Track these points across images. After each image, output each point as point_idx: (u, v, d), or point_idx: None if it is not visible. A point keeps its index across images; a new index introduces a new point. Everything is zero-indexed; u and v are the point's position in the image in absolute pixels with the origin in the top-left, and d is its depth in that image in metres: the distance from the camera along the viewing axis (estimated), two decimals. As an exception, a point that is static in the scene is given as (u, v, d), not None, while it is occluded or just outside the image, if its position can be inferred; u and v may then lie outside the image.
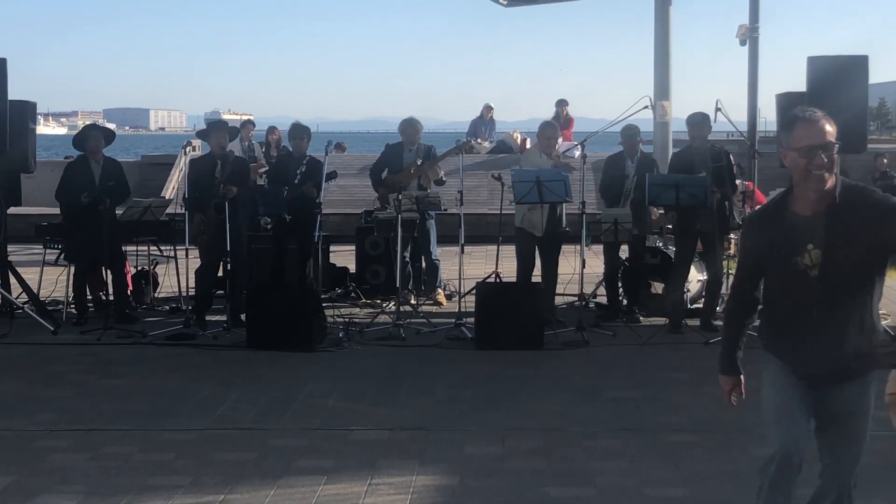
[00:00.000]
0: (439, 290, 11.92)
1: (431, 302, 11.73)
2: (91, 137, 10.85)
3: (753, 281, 4.40)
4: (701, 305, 10.83)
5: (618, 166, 11.14)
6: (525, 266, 10.81)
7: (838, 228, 4.01)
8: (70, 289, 11.02)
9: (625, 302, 11.25)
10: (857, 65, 9.96)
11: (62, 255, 11.16)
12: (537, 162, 10.88)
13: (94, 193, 10.41)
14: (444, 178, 11.93)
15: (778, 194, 4.28)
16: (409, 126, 12.04)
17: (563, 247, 11.04)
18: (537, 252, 10.81)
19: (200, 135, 11.28)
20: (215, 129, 10.79)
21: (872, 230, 3.98)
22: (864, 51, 10.21)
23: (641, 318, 10.86)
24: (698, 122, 10.60)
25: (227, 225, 10.13)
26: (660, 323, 10.39)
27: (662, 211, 10.99)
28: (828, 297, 4.07)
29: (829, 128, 4.02)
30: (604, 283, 11.21)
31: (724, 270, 10.58)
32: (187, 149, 12.13)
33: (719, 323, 10.28)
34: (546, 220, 10.59)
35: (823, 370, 4.19)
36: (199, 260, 10.70)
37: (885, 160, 20.33)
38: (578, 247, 10.59)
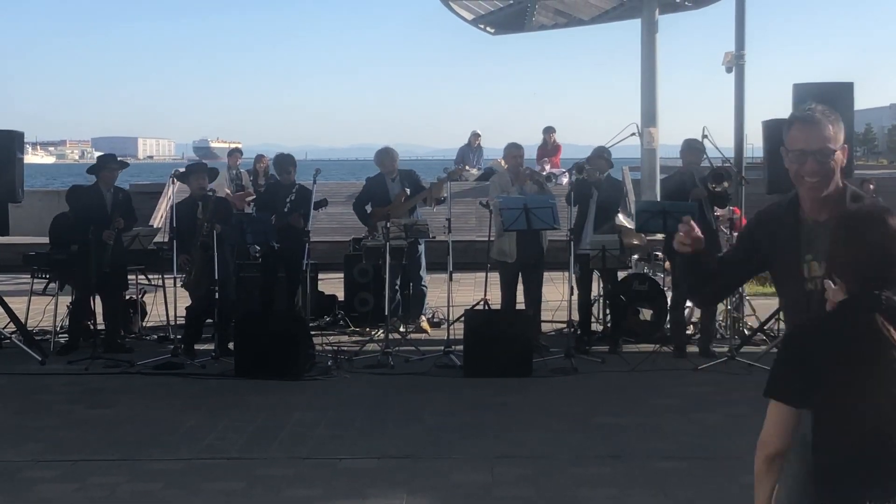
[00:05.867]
0: (423, 318, 11.90)
1: (414, 329, 11.70)
2: (109, 168, 10.96)
3: (727, 264, 4.01)
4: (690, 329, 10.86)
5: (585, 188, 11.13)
6: (507, 295, 10.83)
7: None
8: (65, 318, 11.02)
9: (599, 329, 11.28)
10: (843, 91, 10.03)
11: (50, 286, 11.12)
12: (506, 183, 10.94)
13: (105, 222, 10.54)
14: (445, 196, 11.70)
15: (789, 194, 3.84)
16: (386, 155, 11.99)
17: (551, 274, 11.02)
18: (520, 279, 10.84)
19: (181, 178, 11.26)
20: (194, 171, 10.92)
21: None
22: (850, 77, 10.29)
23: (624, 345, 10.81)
24: (696, 148, 10.66)
25: (216, 255, 10.17)
26: (648, 350, 10.39)
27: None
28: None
29: (829, 131, 3.62)
30: (579, 312, 10.98)
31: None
32: (175, 178, 12.15)
33: (719, 349, 10.32)
34: (518, 247, 10.61)
35: None
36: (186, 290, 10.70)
37: (872, 186, 20.40)
38: (566, 274, 10.59)
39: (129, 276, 11.97)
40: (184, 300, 10.77)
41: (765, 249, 3.84)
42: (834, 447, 3.05)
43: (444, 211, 11.20)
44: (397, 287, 11.73)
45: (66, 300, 11.08)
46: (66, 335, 11.00)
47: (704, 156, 10.76)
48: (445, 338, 10.58)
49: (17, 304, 11.20)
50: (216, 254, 10.23)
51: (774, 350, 10.23)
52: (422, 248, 11.83)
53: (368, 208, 11.88)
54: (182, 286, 10.54)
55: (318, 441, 7.54)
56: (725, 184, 10.38)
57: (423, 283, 11.93)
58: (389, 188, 11.84)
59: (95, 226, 10.36)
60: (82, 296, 10.88)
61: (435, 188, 11.72)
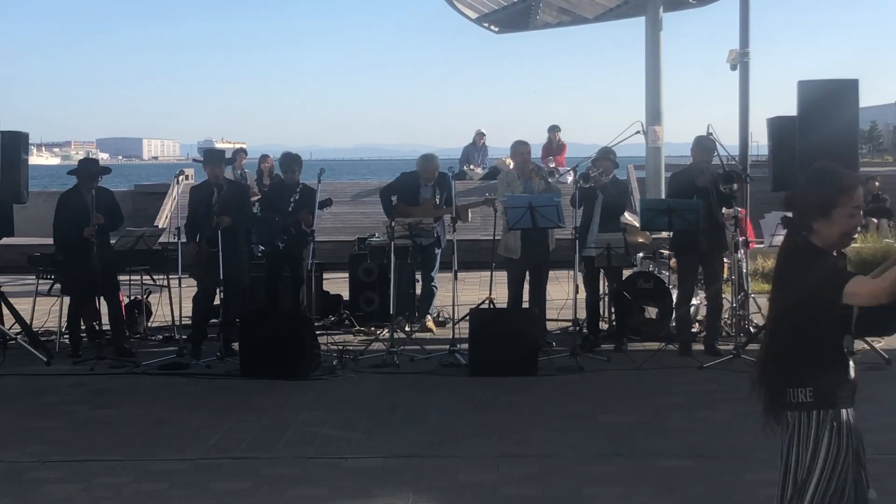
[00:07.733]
0: (429, 317, 11.90)
1: (419, 328, 11.68)
2: (90, 175, 10.83)
3: None
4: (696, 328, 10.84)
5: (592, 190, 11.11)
6: (513, 293, 10.82)
7: None
8: (64, 320, 10.96)
9: (605, 327, 11.26)
10: (848, 89, 10.00)
11: (55, 287, 11.11)
12: (513, 180, 10.93)
13: (90, 224, 10.42)
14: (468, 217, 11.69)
15: None
16: (430, 162, 11.98)
17: (556, 273, 10.99)
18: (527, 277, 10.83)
19: (200, 162, 11.25)
20: (210, 161, 10.83)
21: None
22: (855, 74, 10.25)
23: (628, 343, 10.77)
24: (707, 146, 10.62)
25: (220, 254, 10.15)
26: (653, 348, 10.37)
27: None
28: None
29: None
30: (586, 312, 10.96)
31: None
32: (180, 178, 12.15)
33: (725, 347, 10.29)
34: (524, 245, 10.60)
35: None
36: (193, 288, 10.69)
37: (877, 183, 20.41)
38: (572, 272, 10.58)
39: (135, 277, 11.98)
40: (189, 301, 10.76)
41: None
42: None
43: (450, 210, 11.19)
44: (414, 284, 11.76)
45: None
46: (67, 339, 10.92)
47: (715, 153, 10.74)
48: (451, 337, 10.57)
49: (23, 305, 11.22)
50: (229, 245, 10.23)
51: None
52: (439, 248, 11.82)
53: (394, 200, 11.91)
54: (189, 275, 10.50)
55: (323, 440, 7.54)
56: (735, 186, 10.36)
57: (433, 282, 11.93)
58: (421, 191, 11.86)
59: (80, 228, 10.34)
60: (74, 299, 10.81)
61: (463, 214, 11.59)
